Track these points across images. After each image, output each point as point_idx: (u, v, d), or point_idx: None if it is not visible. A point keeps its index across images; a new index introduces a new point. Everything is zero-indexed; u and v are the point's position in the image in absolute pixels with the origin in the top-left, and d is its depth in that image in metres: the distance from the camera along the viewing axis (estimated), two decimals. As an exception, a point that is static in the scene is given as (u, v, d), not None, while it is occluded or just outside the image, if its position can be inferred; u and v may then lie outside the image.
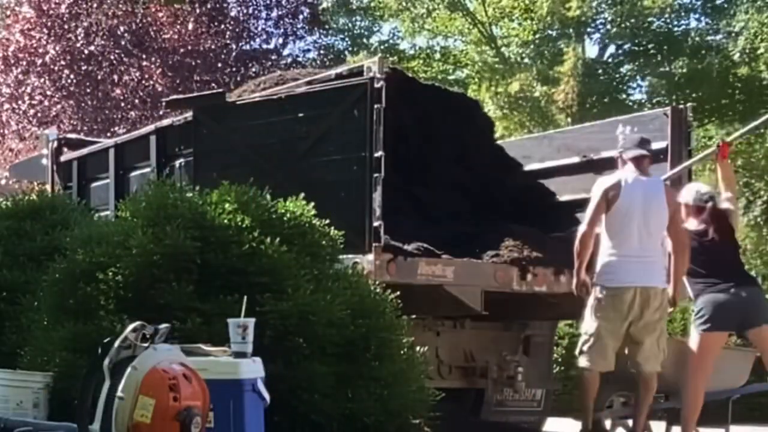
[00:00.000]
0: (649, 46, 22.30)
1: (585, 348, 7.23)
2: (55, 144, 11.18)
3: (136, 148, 9.89)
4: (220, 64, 21.35)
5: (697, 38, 22.35)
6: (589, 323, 7.22)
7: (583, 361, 7.26)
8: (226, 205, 6.10)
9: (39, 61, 20.96)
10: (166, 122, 9.78)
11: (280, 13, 22.78)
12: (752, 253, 21.32)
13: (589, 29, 22.89)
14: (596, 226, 7.19)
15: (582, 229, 7.20)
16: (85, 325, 5.79)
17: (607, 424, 8.31)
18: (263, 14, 22.84)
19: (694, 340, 7.67)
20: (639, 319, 7.18)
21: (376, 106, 7.23)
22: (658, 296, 7.21)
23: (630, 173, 7.30)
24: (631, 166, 7.34)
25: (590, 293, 7.21)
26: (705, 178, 23.10)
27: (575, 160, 8.95)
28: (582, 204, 8.77)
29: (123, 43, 21.37)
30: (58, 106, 20.88)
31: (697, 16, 23.22)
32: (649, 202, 7.22)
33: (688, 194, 7.85)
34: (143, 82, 21.11)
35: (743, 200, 20.85)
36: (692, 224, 7.77)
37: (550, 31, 22.90)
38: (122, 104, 21.05)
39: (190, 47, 21.19)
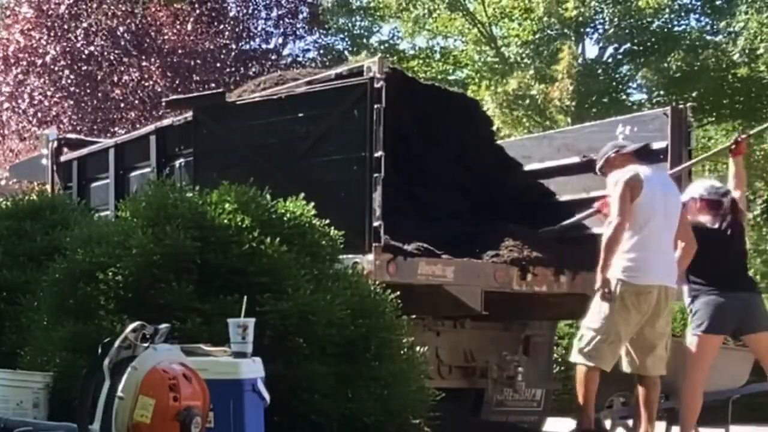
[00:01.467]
0: (648, 44, 22.30)
1: (599, 344, 6.96)
2: (55, 144, 11.18)
3: (136, 148, 9.89)
4: (219, 64, 21.36)
5: (695, 35, 22.33)
6: (608, 322, 6.93)
7: (593, 359, 7.00)
8: (226, 205, 6.10)
9: (39, 61, 20.98)
10: (166, 122, 9.78)
11: (279, 12, 22.81)
12: (751, 253, 21.31)
13: (587, 29, 22.89)
14: (628, 219, 6.92)
15: (615, 221, 6.89)
16: (85, 325, 5.79)
17: (607, 424, 8.32)
18: (263, 14, 22.88)
19: (690, 342, 7.61)
20: (655, 321, 7.02)
21: (376, 106, 7.23)
22: (673, 297, 7.12)
23: (643, 167, 7.12)
24: (635, 160, 7.20)
25: (612, 292, 6.94)
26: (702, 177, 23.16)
27: (575, 160, 8.93)
28: (582, 204, 8.78)
29: (123, 43, 21.38)
30: (58, 106, 20.89)
31: (696, 16, 23.25)
32: (667, 195, 7.08)
33: (700, 188, 7.71)
34: (143, 82, 21.12)
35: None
36: (705, 219, 7.63)
37: (549, 31, 22.90)
38: (122, 104, 21.07)
39: (189, 47, 21.20)
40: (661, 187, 7.10)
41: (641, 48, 22.44)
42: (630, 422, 8.34)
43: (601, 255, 6.93)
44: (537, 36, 23.11)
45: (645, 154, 7.36)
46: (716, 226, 7.57)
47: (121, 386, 4.49)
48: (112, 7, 21.31)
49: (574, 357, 7.19)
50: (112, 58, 21.28)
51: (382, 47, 25.37)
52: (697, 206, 7.64)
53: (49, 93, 20.96)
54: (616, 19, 22.03)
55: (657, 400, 7.27)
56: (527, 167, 9.26)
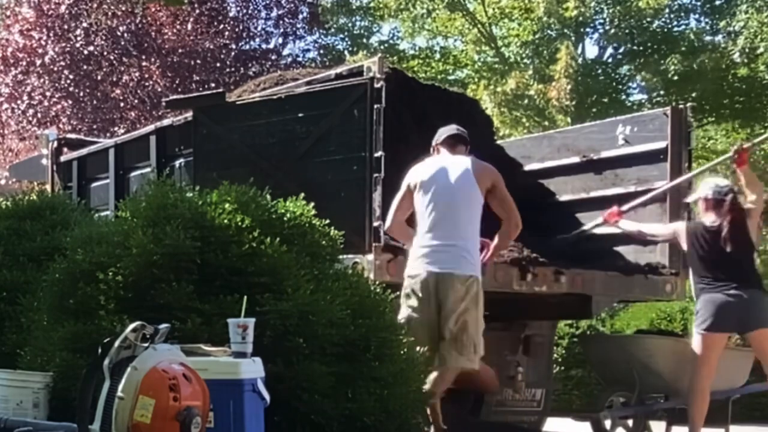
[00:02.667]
0: (648, 44, 22.30)
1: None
2: (55, 144, 11.19)
3: (136, 148, 9.89)
4: (219, 64, 21.37)
5: (692, 36, 22.31)
6: (401, 315, 6.86)
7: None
8: (226, 205, 6.09)
9: (38, 62, 20.98)
10: (166, 122, 9.78)
11: (279, 12, 22.81)
12: (752, 253, 21.25)
13: (587, 29, 22.89)
14: (400, 220, 7.02)
15: (387, 225, 7.06)
16: (85, 325, 5.78)
17: (607, 424, 8.32)
18: (263, 14, 22.88)
19: (695, 341, 7.65)
20: (442, 309, 6.80)
21: (376, 106, 7.23)
22: (458, 284, 6.78)
23: (434, 157, 7.07)
24: (443, 150, 7.12)
25: None
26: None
27: (575, 160, 8.94)
28: (582, 204, 8.78)
29: (123, 43, 21.39)
30: (58, 106, 20.89)
31: (696, 16, 23.23)
32: (455, 183, 6.94)
33: (706, 188, 7.82)
34: (143, 82, 21.12)
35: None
36: (708, 219, 7.73)
37: (549, 31, 22.90)
38: (122, 104, 21.07)
39: (189, 47, 21.20)
40: (444, 173, 6.96)
41: (641, 48, 22.43)
42: (630, 422, 8.36)
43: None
44: (537, 36, 23.09)
45: (455, 141, 7.21)
46: (715, 224, 7.66)
47: (121, 386, 4.48)
48: (112, 7, 21.31)
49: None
50: (112, 58, 21.28)
51: (382, 47, 25.36)
52: (704, 206, 7.73)
53: (48, 93, 20.96)
54: (616, 20, 22.02)
55: (439, 390, 6.89)
56: (527, 167, 9.26)
